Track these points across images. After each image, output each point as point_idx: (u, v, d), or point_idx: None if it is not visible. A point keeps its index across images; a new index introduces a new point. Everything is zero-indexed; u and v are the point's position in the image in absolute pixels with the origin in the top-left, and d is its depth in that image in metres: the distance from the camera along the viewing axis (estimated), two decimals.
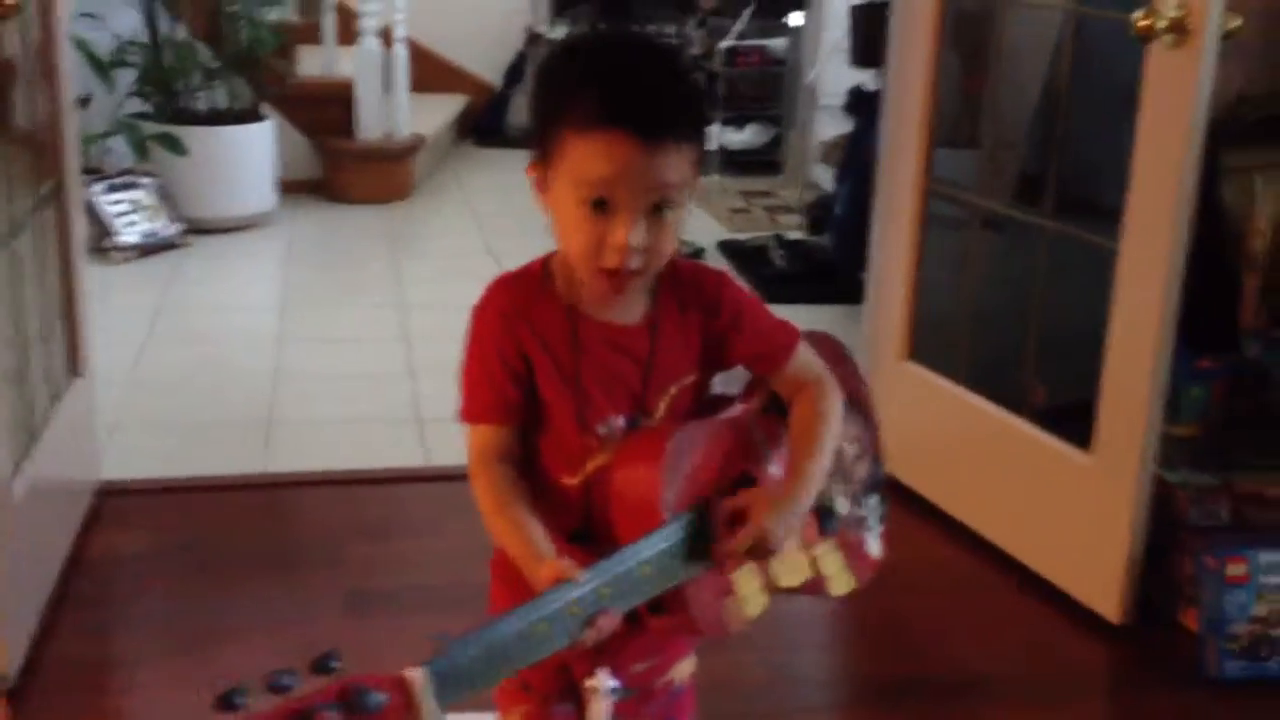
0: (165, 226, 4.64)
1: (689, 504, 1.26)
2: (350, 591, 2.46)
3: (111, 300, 4.08)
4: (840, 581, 1.40)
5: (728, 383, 1.40)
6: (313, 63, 5.58)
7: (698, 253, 4.79)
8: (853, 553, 1.42)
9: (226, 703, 0.87)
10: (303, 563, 2.60)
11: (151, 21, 4.84)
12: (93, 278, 4.23)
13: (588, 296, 1.29)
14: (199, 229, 4.75)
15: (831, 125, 5.41)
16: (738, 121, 6.28)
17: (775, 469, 1.35)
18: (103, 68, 4.60)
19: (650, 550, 1.21)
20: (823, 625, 2.53)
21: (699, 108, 1.28)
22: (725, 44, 6.20)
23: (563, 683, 1.35)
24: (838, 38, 5.36)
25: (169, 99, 4.87)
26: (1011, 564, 2.62)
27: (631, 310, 1.30)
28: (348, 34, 5.39)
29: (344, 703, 0.91)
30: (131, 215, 4.56)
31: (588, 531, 1.29)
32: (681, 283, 1.33)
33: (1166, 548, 2.42)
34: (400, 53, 5.47)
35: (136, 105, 4.81)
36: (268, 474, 2.95)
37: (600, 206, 1.20)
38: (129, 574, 2.52)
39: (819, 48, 5.79)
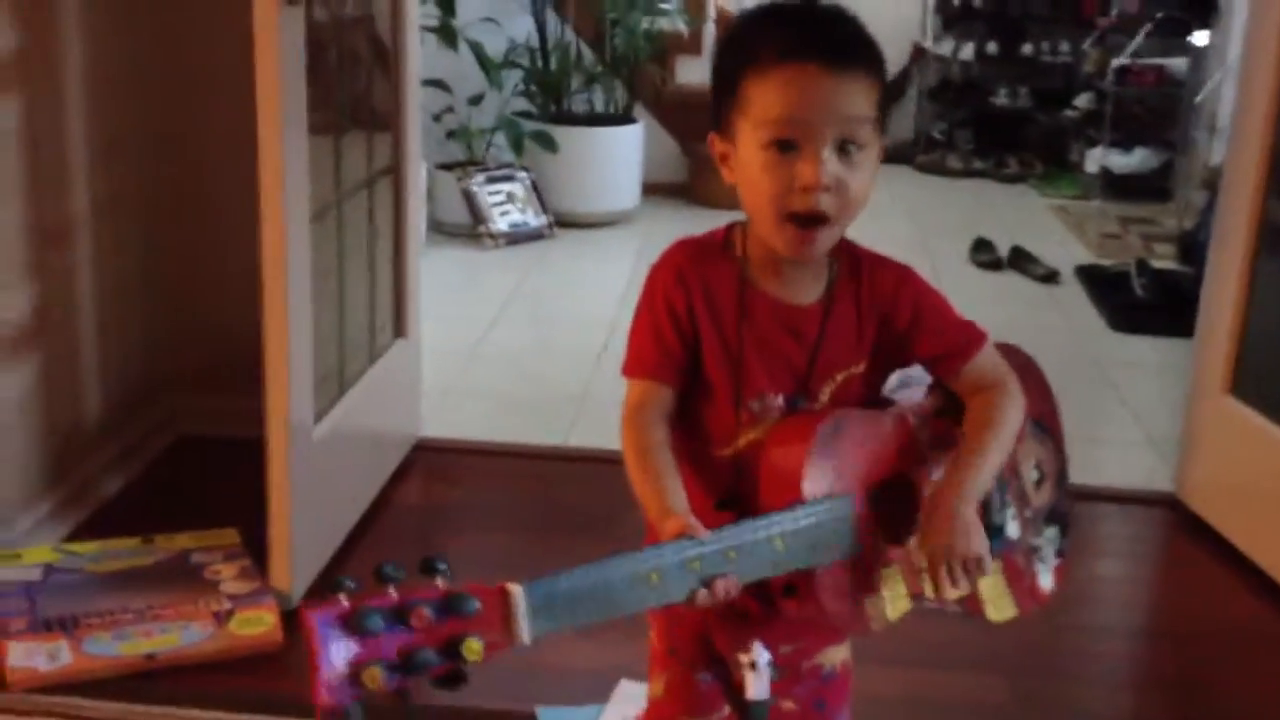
0: (534, 218, 4.97)
1: (836, 491, 1.23)
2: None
3: (477, 281, 4.43)
4: (998, 607, 1.32)
5: (906, 383, 1.35)
6: (692, 71, 5.79)
7: (1051, 275, 4.60)
8: (1017, 580, 1.34)
9: (336, 585, 0.96)
10: (578, 530, 2.72)
11: (541, 27, 5.19)
12: (465, 261, 4.64)
13: (765, 269, 1.28)
14: (565, 222, 5.05)
15: (1225, 150, 5.04)
16: (1125, 144, 5.96)
17: (938, 474, 1.30)
18: (493, 69, 4.97)
19: (787, 524, 1.18)
20: (1100, 660, 2.39)
21: (876, 47, 1.25)
22: (1118, 62, 5.91)
23: (707, 653, 1.36)
24: (1235, 57, 4.99)
25: (550, 99, 5.19)
26: None
27: (807, 290, 1.29)
28: None
29: (444, 603, 0.96)
30: (505, 205, 4.92)
31: (736, 502, 1.28)
32: (861, 271, 1.31)
33: None
34: None
35: (522, 104, 5.16)
36: (570, 447, 3.12)
37: (786, 147, 1.19)
38: (425, 523, 2.74)
39: (1223, 68, 5.42)
